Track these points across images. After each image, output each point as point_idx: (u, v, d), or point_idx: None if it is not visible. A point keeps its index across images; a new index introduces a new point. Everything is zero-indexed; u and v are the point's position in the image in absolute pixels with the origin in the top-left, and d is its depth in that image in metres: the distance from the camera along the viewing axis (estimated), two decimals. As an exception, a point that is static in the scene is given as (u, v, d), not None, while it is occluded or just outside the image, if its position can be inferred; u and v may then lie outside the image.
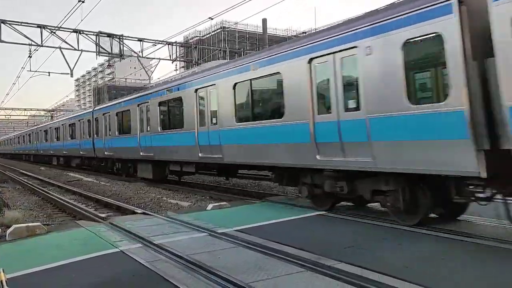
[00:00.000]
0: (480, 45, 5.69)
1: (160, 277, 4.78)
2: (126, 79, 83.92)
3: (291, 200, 10.42)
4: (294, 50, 8.74)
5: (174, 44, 29.23)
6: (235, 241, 6.29)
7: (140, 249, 6.05)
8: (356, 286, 4.26)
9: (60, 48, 24.88)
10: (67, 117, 31.62)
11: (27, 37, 23.92)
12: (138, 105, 17.18)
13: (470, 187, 6.15)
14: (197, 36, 66.54)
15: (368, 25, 7.15)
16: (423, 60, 6.71)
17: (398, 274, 4.51)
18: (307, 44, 8.41)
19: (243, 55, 33.05)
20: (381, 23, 6.92)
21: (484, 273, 4.64)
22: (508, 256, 5.19)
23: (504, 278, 4.44)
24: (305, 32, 35.79)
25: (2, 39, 22.58)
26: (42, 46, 24.40)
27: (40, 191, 16.86)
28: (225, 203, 10.23)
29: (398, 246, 5.84)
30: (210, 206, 9.71)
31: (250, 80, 10.16)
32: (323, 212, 8.43)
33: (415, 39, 6.40)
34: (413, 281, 4.31)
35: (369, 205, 8.55)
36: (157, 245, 6.20)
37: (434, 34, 6.14)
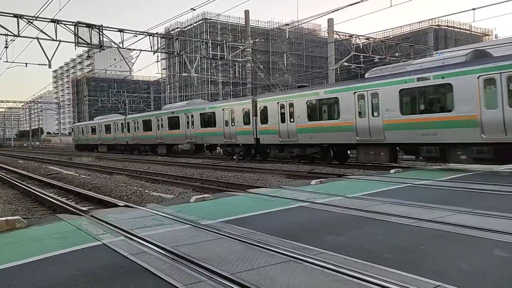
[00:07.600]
0: None
1: (144, 269, 4.76)
2: (106, 70, 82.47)
3: (274, 192, 10.49)
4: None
5: (155, 35, 28.85)
6: (219, 233, 6.31)
7: (123, 242, 6.01)
8: (339, 273, 4.34)
9: (37, 38, 24.29)
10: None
11: (3, 27, 23.26)
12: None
13: None
14: (178, 27, 65.78)
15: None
16: None
17: (379, 261, 4.62)
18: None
19: (226, 47, 32.88)
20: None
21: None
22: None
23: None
24: (288, 24, 35.68)
25: (-24, 29, 21.95)
26: (19, 36, 23.77)
27: (19, 184, 16.52)
28: (208, 195, 10.24)
29: (377, 233, 5.99)
30: (193, 199, 9.70)
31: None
32: (305, 204, 8.53)
33: None
34: (394, 267, 4.43)
35: (351, 195, 8.69)
36: (140, 237, 6.17)
37: None
